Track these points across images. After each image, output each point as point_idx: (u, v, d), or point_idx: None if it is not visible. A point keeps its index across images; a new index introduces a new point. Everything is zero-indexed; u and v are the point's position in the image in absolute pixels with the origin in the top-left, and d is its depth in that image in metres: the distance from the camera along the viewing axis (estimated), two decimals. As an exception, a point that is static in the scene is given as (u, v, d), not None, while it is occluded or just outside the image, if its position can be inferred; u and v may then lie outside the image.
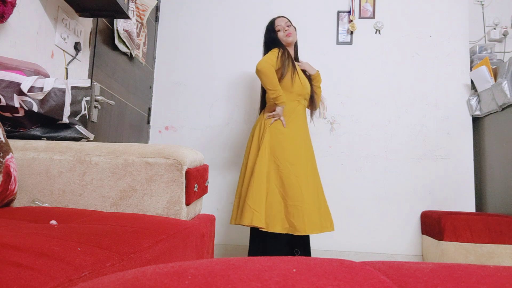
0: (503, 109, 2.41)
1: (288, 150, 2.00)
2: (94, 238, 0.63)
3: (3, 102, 1.11)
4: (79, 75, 1.82)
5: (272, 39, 2.18)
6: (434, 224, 2.40)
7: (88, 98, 1.36)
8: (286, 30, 2.16)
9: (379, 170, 2.71)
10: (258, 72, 1.97)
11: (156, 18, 2.94)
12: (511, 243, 2.22)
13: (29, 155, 1.11)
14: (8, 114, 1.17)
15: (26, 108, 1.16)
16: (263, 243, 1.99)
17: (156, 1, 2.58)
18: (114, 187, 1.08)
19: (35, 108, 1.17)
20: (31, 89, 1.15)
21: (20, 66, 1.22)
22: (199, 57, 2.91)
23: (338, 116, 2.78)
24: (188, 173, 1.09)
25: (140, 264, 0.64)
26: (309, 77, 2.24)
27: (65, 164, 1.10)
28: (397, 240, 2.65)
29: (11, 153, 0.96)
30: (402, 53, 2.80)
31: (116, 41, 2.14)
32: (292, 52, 2.22)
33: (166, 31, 2.95)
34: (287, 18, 2.22)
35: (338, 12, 2.86)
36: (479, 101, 2.63)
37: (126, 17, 1.83)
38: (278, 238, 1.92)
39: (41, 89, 1.18)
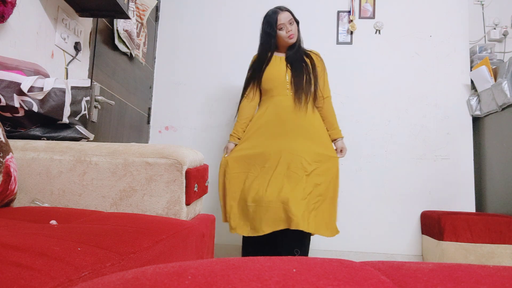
0: (503, 109, 2.41)
1: (247, 151, 1.96)
2: (94, 238, 0.63)
3: (3, 102, 1.11)
4: (79, 75, 1.83)
5: (270, 35, 2.02)
6: (434, 224, 2.40)
7: (88, 98, 1.36)
8: (289, 31, 2.00)
9: (379, 170, 2.71)
10: None
11: (156, 18, 2.94)
12: (511, 243, 2.22)
13: (29, 155, 1.11)
14: (8, 114, 1.17)
15: (26, 108, 1.16)
16: (254, 246, 1.98)
17: (156, 1, 2.58)
18: (114, 187, 1.08)
19: (35, 108, 1.17)
20: (31, 89, 1.15)
21: (20, 66, 1.22)
22: (199, 57, 2.91)
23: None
24: (188, 173, 1.09)
25: (140, 264, 0.64)
26: (294, 66, 2.03)
27: (65, 164, 1.10)
28: (397, 240, 2.65)
29: (11, 153, 0.96)
30: (402, 53, 2.80)
31: (116, 41, 2.14)
32: (282, 51, 2.08)
33: (166, 31, 2.95)
34: (290, 12, 2.04)
35: (338, 12, 2.86)
36: (479, 101, 2.63)
37: (126, 17, 1.83)
38: (267, 240, 1.89)
39: (41, 89, 1.18)
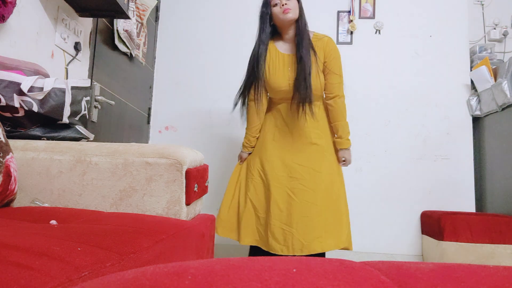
0: (503, 109, 2.41)
1: (261, 159, 1.85)
2: (94, 238, 0.63)
3: (3, 102, 1.11)
4: (79, 75, 1.82)
5: (263, 15, 1.76)
6: (434, 224, 2.40)
7: (88, 98, 1.36)
8: (283, 5, 1.68)
9: (379, 170, 2.71)
10: None
11: (156, 18, 2.94)
12: (511, 243, 2.22)
13: (29, 155, 1.11)
14: (8, 114, 1.17)
15: (26, 108, 1.15)
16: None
17: (156, 1, 2.58)
18: (114, 187, 1.08)
19: (35, 108, 1.17)
20: (31, 89, 1.15)
21: (20, 66, 1.22)
22: (199, 57, 2.91)
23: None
24: (188, 173, 1.09)
25: (140, 264, 0.64)
26: (300, 67, 1.74)
27: (65, 164, 1.10)
28: (397, 240, 2.64)
29: (11, 153, 0.96)
30: (402, 53, 2.80)
31: (116, 41, 2.14)
32: (291, 33, 1.78)
33: (166, 31, 2.95)
34: None
35: (338, 12, 2.86)
36: (479, 101, 2.63)
37: (126, 17, 1.83)
38: None
39: (41, 89, 1.18)
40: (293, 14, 1.71)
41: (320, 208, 1.74)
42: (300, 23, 1.75)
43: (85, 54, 1.88)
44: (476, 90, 2.67)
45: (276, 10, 1.72)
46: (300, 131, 1.82)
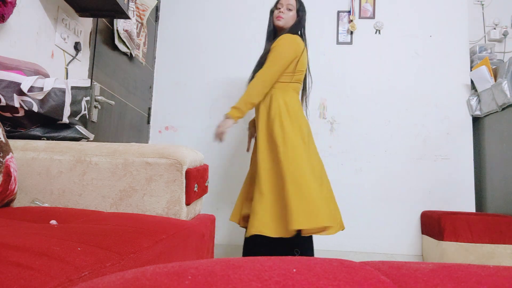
0: (503, 109, 2.41)
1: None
2: (94, 238, 0.63)
3: (3, 102, 1.11)
4: (79, 75, 1.83)
5: (271, 13, 2.03)
6: (434, 224, 2.40)
7: (88, 98, 1.36)
8: (280, 12, 1.95)
9: (379, 170, 2.71)
10: None
11: (156, 18, 2.94)
12: (511, 243, 2.22)
13: (29, 155, 1.11)
14: (8, 114, 1.17)
15: (26, 108, 1.15)
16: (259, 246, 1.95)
17: (156, 1, 2.58)
18: (114, 187, 1.08)
19: (35, 108, 1.17)
20: (31, 89, 1.15)
21: (20, 66, 1.22)
22: (199, 57, 2.91)
23: (338, 116, 2.78)
24: (188, 173, 1.09)
25: (140, 264, 0.64)
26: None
27: (65, 164, 1.10)
28: (397, 240, 2.65)
29: (11, 153, 0.96)
30: (402, 53, 2.80)
31: (116, 41, 2.14)
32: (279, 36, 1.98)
33: (166, 31, 2.95)
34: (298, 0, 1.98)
35: (338, 12, 2.86)
36: (479, 101, 2.63)
37: (126, 17, 1.83)
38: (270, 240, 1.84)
39: (41, 89, 1.18)
40: (282, 23, 1.95)
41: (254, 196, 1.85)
42: (286, 31, 1.93)
43: (85, 54, 1.88)
44: (476, 90, 2.67)
45: (275, 12, 1.99)
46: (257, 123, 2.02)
